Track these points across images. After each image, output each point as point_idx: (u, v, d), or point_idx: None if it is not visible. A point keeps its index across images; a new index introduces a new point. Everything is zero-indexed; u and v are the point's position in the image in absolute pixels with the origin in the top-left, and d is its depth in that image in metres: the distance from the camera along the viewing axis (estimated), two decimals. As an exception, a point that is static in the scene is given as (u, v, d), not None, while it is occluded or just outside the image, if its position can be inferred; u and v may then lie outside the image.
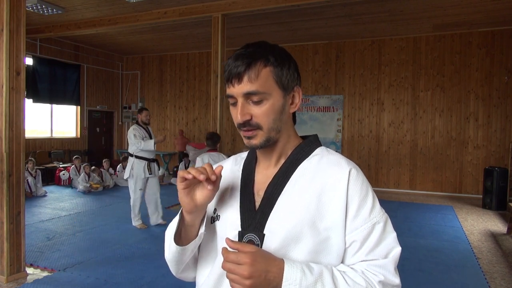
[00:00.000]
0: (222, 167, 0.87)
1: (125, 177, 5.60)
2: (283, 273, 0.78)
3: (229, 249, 0.80)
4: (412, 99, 9.04)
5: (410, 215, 6.63)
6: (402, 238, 4.80)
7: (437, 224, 6.00)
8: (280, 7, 6.20)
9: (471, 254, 4.57)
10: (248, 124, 0.88)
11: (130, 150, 5.46)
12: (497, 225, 6.03)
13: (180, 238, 0.91)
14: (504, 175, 7.21)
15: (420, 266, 4.10)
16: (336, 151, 0.99)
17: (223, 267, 0.79)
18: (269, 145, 0.92)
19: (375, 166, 9.26)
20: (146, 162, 5.43)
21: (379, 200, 0.91)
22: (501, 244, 5.04)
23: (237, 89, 0.86)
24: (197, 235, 0.91)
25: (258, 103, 0.86)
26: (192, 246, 0.91)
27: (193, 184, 0.86)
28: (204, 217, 0.91)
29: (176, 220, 0.92)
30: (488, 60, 8.39)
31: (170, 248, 0.92)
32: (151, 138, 5.51)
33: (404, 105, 9.12)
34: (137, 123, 5.54)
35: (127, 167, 5.53)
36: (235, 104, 0.88)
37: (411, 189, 9.04)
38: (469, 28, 8.35)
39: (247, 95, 0.86)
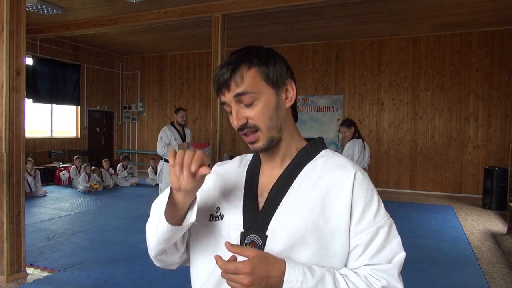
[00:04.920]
0: (209, 171, 0.81)
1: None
2: (284, 276, 0.77)
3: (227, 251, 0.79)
4: (412, 99, 9.04)
5: (410, 215, 6.62)
6: (402, 238, 4.82)
7: (437, 224, 6.00)
8: (280, 7, 6.20)
9: (471, 254, 4.57)
10: (246, 127, 0.88)
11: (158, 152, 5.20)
12: (497, 225, 6.03)
13: (168, 217, 0.85)
14: (504, 175, 7.21)
15: (420, 266, 4.09)
16: (336, 151, 0.99)
17: (223, 277, 0.77)
18: (274, 145, 0.91)
19: (375, 166, 9.26)
20: None
21: (379, 200, 0.90)
22: (501, 244, 5.04)
23: (228, 96, 0.87)
24: (184, 218, 0.86)
25: (250, 105, 0.87)
26: (182, 231, 0.87)
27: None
28: (193, 204, 0.86)
29: (165, 195, 0.85)
30: (488, 60, 8.39)
31: (158, 224, 0.85)
32: (184, 140, 5.20)
33: (404, 105, 9.11)
34: (171, 123, 5.24)
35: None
36: (231, 112, 0.89)
37: (411, 189, 9.04)
38: (469, 28, 8.35)
39: (237, 98, 0.86)
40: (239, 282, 0.75)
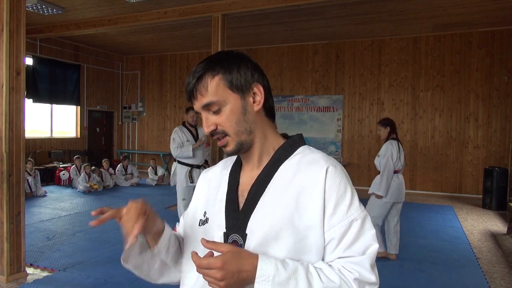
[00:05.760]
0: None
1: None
2: (256, 270, 0.79)
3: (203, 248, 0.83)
4: (412, 99, 9.04)
5: (410, 215, 6.62)
6: (402, 238, 4.81)
7: (437, 224, 6.00)
8: (280, 7, 6.20)
9: (471, 254, 4.57)
10: (215, 133, 0.93)
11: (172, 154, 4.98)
12: (497, 225, 6.03)
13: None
14: (504, 175, 7.21)
15: (420, 266, 4.10)
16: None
17: (198, 272, 0.81)
18: (246, 148, 0.94)
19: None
20: (188, 168, 4.87)
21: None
22: (501, 244, 5.04)
23: (197, 105, 0.93)
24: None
25: (217, 112, 0.91)
26: (134, 251, 0.97)
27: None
28: (160, 237, 0.96)
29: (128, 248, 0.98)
30: (488, 60, 8.39)
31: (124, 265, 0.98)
32: (196, 141, 4.97)
33: (404, 105, 9.11)
34: (183, 124, 5.04)
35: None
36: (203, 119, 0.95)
37: (411, 189, 9.03)
38: (469, 28, 8.35)
39: (205, 108, 0.91)
40: (212, 276, 0.78)
